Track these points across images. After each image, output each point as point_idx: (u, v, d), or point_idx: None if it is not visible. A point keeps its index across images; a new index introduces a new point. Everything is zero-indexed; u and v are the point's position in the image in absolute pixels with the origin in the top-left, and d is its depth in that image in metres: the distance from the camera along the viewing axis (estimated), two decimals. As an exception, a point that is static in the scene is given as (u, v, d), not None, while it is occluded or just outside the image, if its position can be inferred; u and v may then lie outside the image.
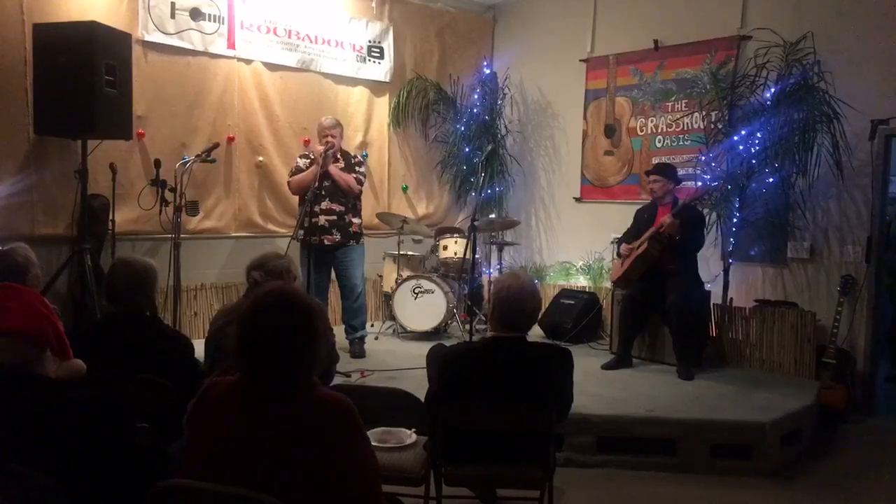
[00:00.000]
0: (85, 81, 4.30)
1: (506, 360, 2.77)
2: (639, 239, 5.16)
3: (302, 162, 5.30)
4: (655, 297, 4.98)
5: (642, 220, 5.30)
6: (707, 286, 5.27)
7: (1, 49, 4.64)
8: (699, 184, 5.43)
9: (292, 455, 1.74)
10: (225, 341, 3.00)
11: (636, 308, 5.10)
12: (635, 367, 5.12)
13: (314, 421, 1.78)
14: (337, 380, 4.34)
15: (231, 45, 5.76)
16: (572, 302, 6.06)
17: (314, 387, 1.85)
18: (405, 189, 7.05)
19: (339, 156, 5.23)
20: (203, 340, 3.37)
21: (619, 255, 5.41)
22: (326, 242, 5.14)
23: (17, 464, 1.75)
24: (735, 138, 5.18)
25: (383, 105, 6.79)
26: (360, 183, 5.28)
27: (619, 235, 5.52)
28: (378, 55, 6.67)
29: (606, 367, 5.06)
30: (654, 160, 6.17)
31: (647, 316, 5.14)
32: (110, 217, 4.98)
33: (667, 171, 5.20)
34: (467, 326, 5.39)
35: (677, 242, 4.92)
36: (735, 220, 5.23)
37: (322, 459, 1.75)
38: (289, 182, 5.36)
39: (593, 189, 6.73)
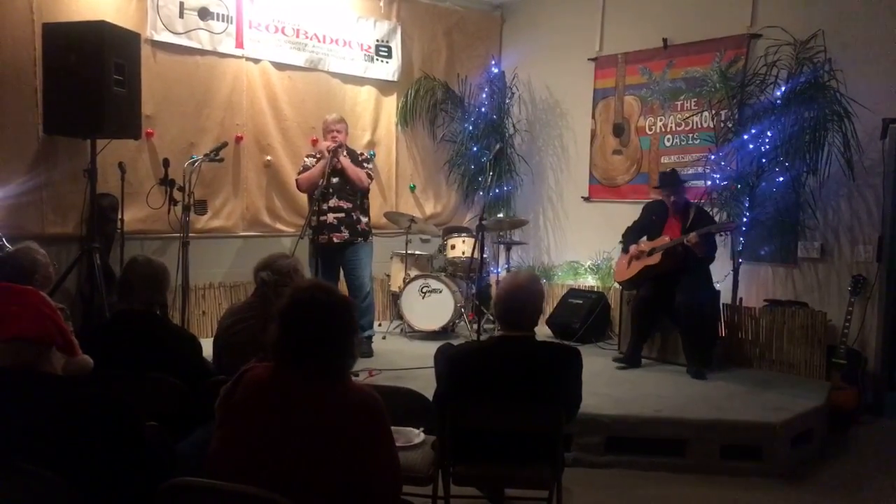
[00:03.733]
0: (94, 81, 4.31)
1: (514, 359, 2.76)
2: (647, 240, 5.11)
3: (310, 161, 5.31)
4: (666, 296, 4.95)
5: (650, 219, 5.23)
6: (717, 286, 5.24)
7: (11, 48, 4.66)
8: (708, 183, 5.40)
9: (321, 444, 1.78)
10: (235, 339, 3.01)
11: (649, 308, 5.05)
12: (644, 366, 5.09)
13: (344, 411, 1.82)
14: (345, 379, 4.34)
15: (239, 45, 5.77)
16: (580, 301, 6.03)
17: (347, 379, 1.90)
18: (413, 188, 7.04)
19: (345, 153, 5.22)
20: (211, 339, 3.38)
21: (625, 250, 5.32)
22: (335, 240, 5.14)
23: (26, 461, 1.75)
24: (745, 137, 5.15)
25: (391, 104, 6.79)
26: (371, 178, 5.28)
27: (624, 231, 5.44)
28: (386, 54, 6.66)
29: (618, 361, 5.10)
30: (664, 159, 6.16)
31: (658, 315, 5.09)
32: (119, 216, 4.99)
33: (675, 182, 5.08)
34: (475, 326, 5.38)
35: (694, 256, 4.85)
36: (745, 219, 5.19)
37: (348, 447, 1.79)
38: (297, 180, 5.36)
39: (602, 188, 6.71)
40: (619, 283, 5.44)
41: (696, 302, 4.86)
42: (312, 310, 1.90)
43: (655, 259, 4.99)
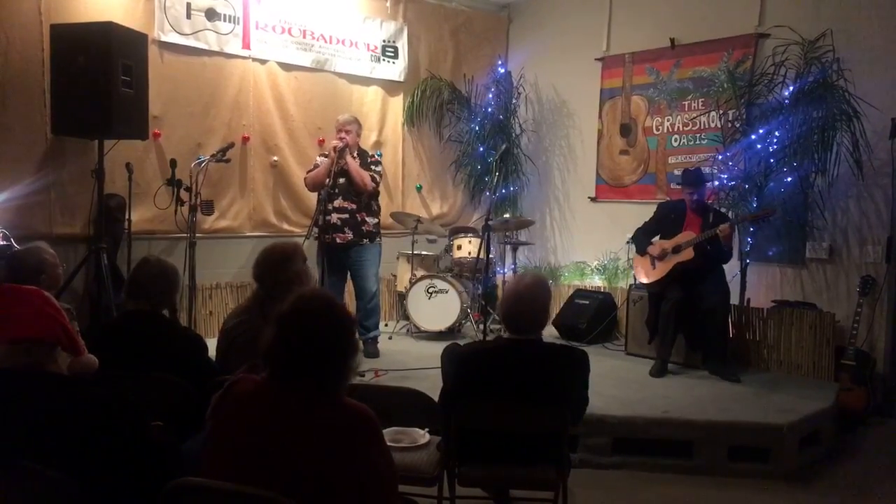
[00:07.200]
0: (102, 82, 4.33)
1: (521, 361, 2.75)
2: (669, 240, 5.00)
3: (320, 160, 5.30)
4: (691, 297, 4.88)
5: (668, 218, 5.12)
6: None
7: (19, 50, 4.69)
8: (716, 183, 5.38)
9: (311, 459, 1.74)
10: (239, 339, 3.01)
11: (682, 309, 4.90)
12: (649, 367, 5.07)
13: (336, 429, 1.77)
14: (351, 379, 4.34)
15: (246, 46, 5.78)
16: (587, 302, 6.02)
17: (339, 395, 1.83)
18: (419, 188, 7.05)
19: (355, 153, 5.21)
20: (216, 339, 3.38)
21: (639, 252, 5.22)
22: (339, 241, 5.13)
23: (31, 461, 1.76)
24: (752, 137, 5.14)
25: (397, 104, 6.79)
26: (375, 182, 5.25)
27: (633, 233, 5.35)
28: (392, 55, 6.67)
29: (654, 374, 4.88)
30: (671, 160, 6.14)
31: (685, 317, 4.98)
32: (127, 216, 5.01)
33: (699, 180, 5.00)
34: (481, 326, 5.37)
35: (715, 256, 4.83)
36: (752, 219, 5.17)
37: (340, 466, 1.74)
38: (305, 179, 5.37)
39: (608, 189, 6.69)
40: (647, 285, 5.19)
41: (727, 303, 4.87)
42: (313, 323, 1.81)
43: (688, 255, 4.87)
